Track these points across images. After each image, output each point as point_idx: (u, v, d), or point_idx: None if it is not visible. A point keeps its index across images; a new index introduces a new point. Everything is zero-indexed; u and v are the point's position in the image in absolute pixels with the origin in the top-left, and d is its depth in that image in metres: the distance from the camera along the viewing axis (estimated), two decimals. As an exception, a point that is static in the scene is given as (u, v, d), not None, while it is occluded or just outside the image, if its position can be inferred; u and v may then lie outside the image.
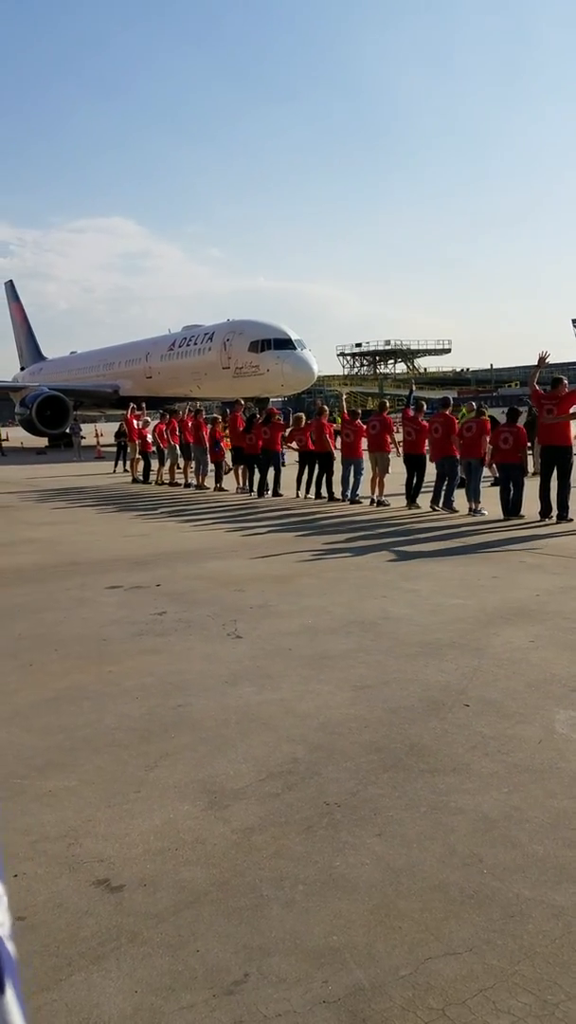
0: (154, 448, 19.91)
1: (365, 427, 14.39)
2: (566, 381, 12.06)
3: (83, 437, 33.15)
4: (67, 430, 33.36)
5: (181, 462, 19.14)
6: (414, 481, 13.50)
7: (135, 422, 20.13)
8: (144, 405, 22.87)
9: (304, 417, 16.33)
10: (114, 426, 32.91)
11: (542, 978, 2.37)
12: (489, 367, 73.90)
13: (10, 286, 58.01)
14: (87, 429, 37.02)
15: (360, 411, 15.41)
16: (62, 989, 2.37)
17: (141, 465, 20.34)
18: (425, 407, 14.53)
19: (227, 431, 17.57)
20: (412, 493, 13.43)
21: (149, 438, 19.98)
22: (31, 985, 2.37)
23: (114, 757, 3.98)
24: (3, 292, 58.85)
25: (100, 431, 39.82)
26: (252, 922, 2.66)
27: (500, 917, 2.67)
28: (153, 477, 19.98)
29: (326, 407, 16.60)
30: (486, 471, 13.12)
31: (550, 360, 12.15)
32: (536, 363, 12.18)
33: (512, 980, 2.37)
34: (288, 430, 16.06)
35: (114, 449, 25.51)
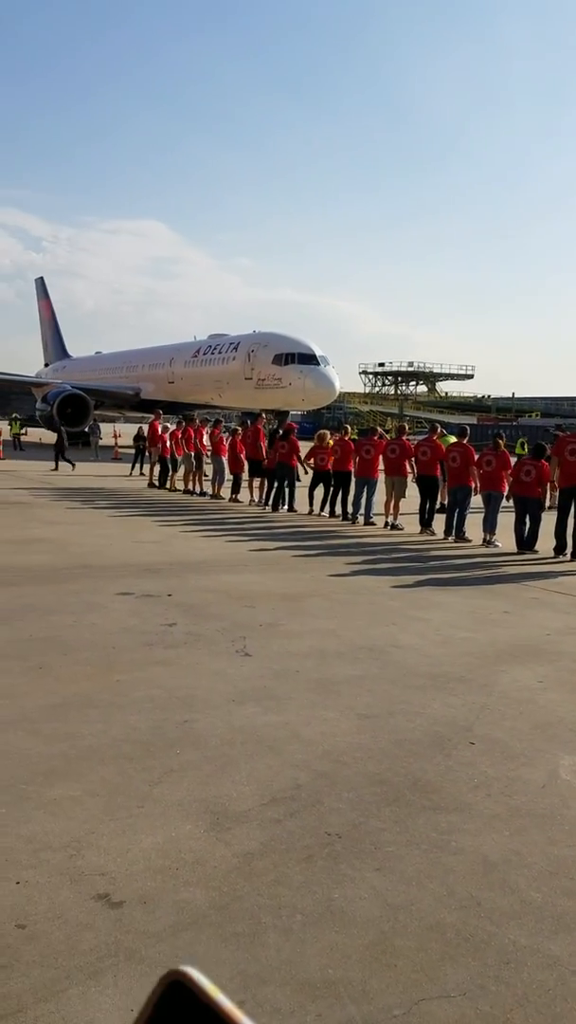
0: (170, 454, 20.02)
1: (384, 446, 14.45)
2: None
3: (100, 438, 33.29)
4: (85, 429, 33.50)
5: (206, 470, 19.26)
6: (427, 505, 13.58)
7: (158, 427, 20.26)
8: (161, 412, 22.95)
9: (328, 434, 16.23)
10: (133, 428, 33.06)
11: (534, 1029, 2.38)
12: (511, 396, 73.75)
13: (40, 282, 58.61)
14: (106, 430, 37.15)
15: (379, 429, 15.40)
16: (59, 1001, 2.40)
17: (158, 470, 20.44)
18: (441, 430, 14.53)
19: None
20: (427, 518, 13.50)
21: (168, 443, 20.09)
22: (29, 995, 2.41)
23: (119, 769, 4.01)
24: (33, 288, 59.48)
25: (118, 432, 39.99)
26: (249, 949, 2.69)
27: (495, 963, 2.68)
28: (169, 484, 20.07)
29: (348, 426, 16.65)
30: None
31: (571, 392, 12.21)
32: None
33: (504, 1029, 2.38)
34: (311, 447, 16.10)
35: (132, 452, 25.63)
